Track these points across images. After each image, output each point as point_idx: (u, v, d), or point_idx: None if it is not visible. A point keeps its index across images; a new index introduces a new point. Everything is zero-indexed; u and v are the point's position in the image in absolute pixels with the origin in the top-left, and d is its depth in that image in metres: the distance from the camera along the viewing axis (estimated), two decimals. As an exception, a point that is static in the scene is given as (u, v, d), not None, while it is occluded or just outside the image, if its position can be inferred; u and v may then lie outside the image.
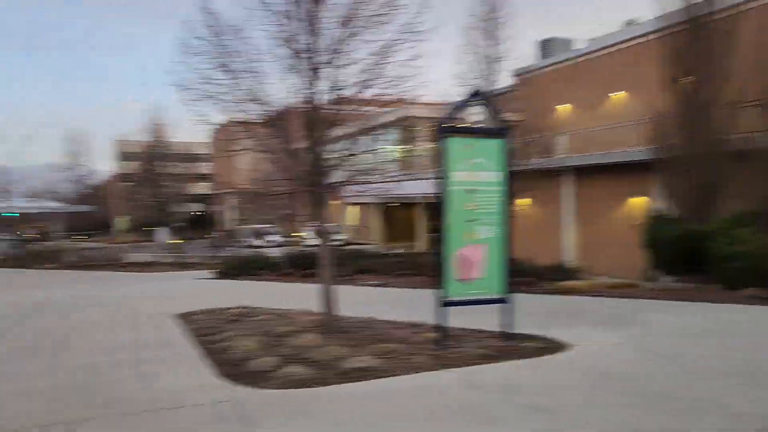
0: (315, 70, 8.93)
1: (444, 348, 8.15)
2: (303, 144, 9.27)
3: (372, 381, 6.85)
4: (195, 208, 72.49)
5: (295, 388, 6.67)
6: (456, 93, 18.54)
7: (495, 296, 8.52)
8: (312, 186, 9.08)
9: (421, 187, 40.43)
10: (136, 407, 6.21)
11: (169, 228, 49.02)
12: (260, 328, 10.24)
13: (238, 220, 73.90)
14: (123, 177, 55.56)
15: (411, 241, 46.08)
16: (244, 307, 13.09)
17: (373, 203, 47.30)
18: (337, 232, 50.46)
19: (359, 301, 13.92)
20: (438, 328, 8.30)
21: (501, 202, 8.48)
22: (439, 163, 8.22)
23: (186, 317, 12.25)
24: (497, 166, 8.44)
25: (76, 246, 42.81)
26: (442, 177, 8.21)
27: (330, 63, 8.93)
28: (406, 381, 6.87)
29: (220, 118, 9.41)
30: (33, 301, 16.36)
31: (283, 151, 9.37)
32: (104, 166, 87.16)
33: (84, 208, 53.64)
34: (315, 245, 40.40)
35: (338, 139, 9.58)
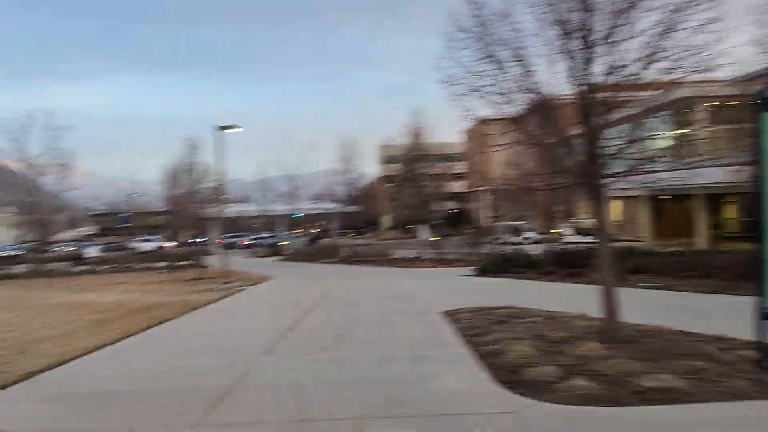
0: (590, 49, 8.03)
1: (763, 370, 6.62)
2: (576, 133, 8.43)
3: (678, 406, 5.79)
4: (451, 206, 74.79)
5: (583, 405, 5.95)
6: (755, 63, 15.59)
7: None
8: (588, 178, 8.19)
9: (702, 177, 35.57)
10: (418, 409, 6.14)
11: (428, 225, 51.29)
12: (531, 332, 9.66)
13: (493, 217, 74.31)
14: (386, 179, 59.76)
15: (686, 238, 40.98)
16: (509, 307, 12.65)
17: (639, 196, 43.20)
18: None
19: (637, 306, 12.43)
20: (759, 346, 6.77)
21: None
22: (753, 145, 6.69)
23: (453, 315, 12.25)
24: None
25: (349, 243, 47.25)
26: (757, 161, 6.67)
27: (607, 40, 7.94)
28: (723, 410, 5.66)
29: (486, 111, 9.05)
30: (319, 293, 18.17)
31: (554, 142, 8.64)
32: (371, 169, 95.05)
33: (354, 208, 59.06)
34: (577, 242, 38.39)
35: (617, 124, 8.52)
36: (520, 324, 10.54)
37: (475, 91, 8.68)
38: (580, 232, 47.92)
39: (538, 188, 14.00)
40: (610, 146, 8.41)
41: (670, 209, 45.70)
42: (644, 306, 12.37)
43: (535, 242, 49.45)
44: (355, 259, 36.32)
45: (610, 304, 8.59)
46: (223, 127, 20.46)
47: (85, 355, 9.63)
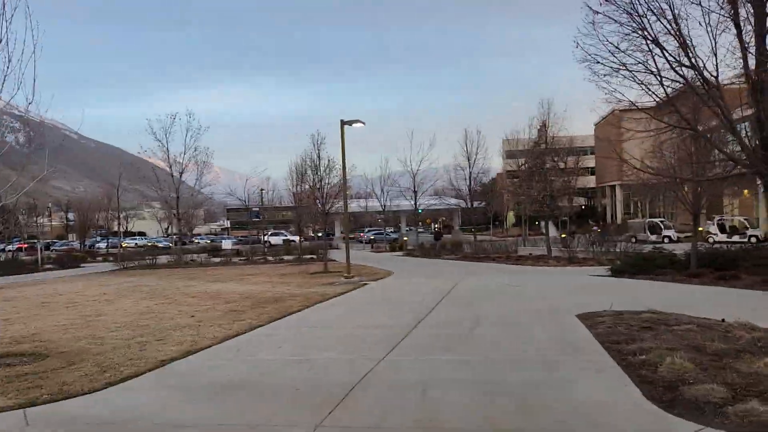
0: (761, 16, 6.85)
1: None
2: (746, 116, 7.26)
3: None
4: (581, 201, 71.27)
5: (762, 434, 4.98)
6: None
7: None
8: (763, 165, 7.00)
9: None
10: (555, 421, 5.48)
11: (556, 222, 49.05)
12: (685, 341, 8.53)
13: (626, 213, 69.81)
14: (511, 173, 58.00)
15: None
16: (654, 312, 11.39)
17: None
18: (749, 227, 42.71)
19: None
20: None
21: None
22: None
23: (590, 318, 11.26)
24: None
25: (473, 239, 46.34)
26: None
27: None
28: None
29: (632, 94, 8.07)
30: (441, 289, 17.69)
31: (716, 126, 7.50)
32: (496, 163, 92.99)
33: (478, 203, 57.98)
34: (725, 242, 34.85)
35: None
36: (669, 332, 9.38)
37: (620, 69, 7.77)
38: (726, 230, 43.57)
39: (687, 180, 12.49)
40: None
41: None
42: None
43: (676, 241, 45.63)
44: (479, 255, 35.49)
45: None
46: (347, 122, 20.61)
47: (215, 345, 9.88)
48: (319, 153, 27.98)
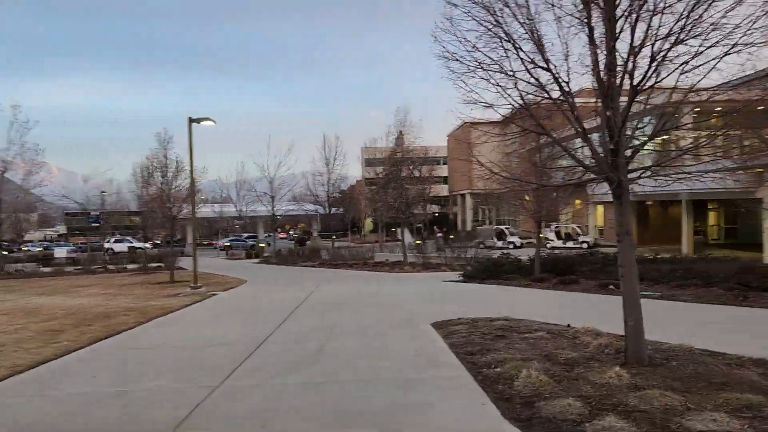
0: (614, 21, 6.76)
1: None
2: (597, 123, 7.17)
3: (746, 459, 4.52)
4: (434, 209, 73.70)
5: (624, 455, 4.64)
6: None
7: None
8: (612, 172, 6.90)
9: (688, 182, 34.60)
10: (413, 458, 4.79)
11: (410, 229, 49.98)
12: (537, 350, 8.37)
13: (477, 220, 73.37)
14: (369, 180, 58.44)
15: (670, 244, 40.26)
16: (506, 319, 11.35)
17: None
18: (581, 234, 46.48)
19: (647, 318, 11.24)
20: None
21: None
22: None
23: (444, 327, 10.93)
24: None
25: (330, 245, 45.77)
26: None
27: (633, 10, 6.67)
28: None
29: (489, 96, 7.71)
30: (295, 298, 16.70)
31: (575, 130, 7.35)
32: (353, 171, 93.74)
33: (336, 210, 57.67)
34: (560, 247, 37.29)
35: (644, 114, 7.28)
36: (522, 340, 9.23)
37: (477, 69, 7.37)
38: (561, 237, 47.06)
39: (545, 186, 12.67)
40: (635, 137, 7.18)
41: (654, 215, 45.02)
42: (654, 319, 11.14)
43: (520, 246, 48.50)
44: (336, 262, 34.90)
45: (636, 319, 7.27)
46: (196, 120, 18.94)
47: (16, 375, 8.12)
48: (166, 153, 25.75)
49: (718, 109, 8.79)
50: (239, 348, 9.51)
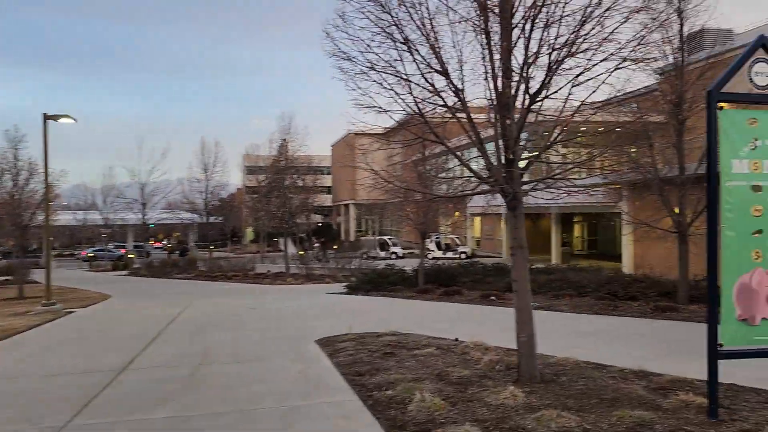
0: (509, 28, 6.57)
1: (719, 420, 5.44)
2: (493, 132, 6.94)
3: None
4: (318, 219, 72.94)
5: (529, 489, 4.27)
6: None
7: (793, 345, 5.65)
8: (506, 183, 6.68)
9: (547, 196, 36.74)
10: None
11: (294, 239, 48.86)
12: (428, 368, 7.98)
13: (360, 230, 73.49)
14: (251, 189, 56.61)
15: (540, 255, 42.55)
16: (394, 333, 10.94)
17: (499, 214, 44.20)
18: (459, 244, 47.90)
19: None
20: (711, 392, 5.56)
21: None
22: (710, 147, 5.54)
23: (330, 344, 10.31)
24: (792, 151, 5.63)
25: (208, 256, 43.50)
26: (710, 168, 5.52)
27: (528, 17, 6.51)
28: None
29: (383, 100, 7.25)
30: (166, 315, 15.27)
31: (472, 141, 7.07)
32: (234, 178, 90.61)
33: (215, 219, 55.21)
34: (441, 258, 38.03)
35: (538, 125, 7.17)
36: (411, 357, 8.83)
37: (370, 71, 6.90)
38: (441, 247, 48.23)
39: (430, 198, 12.47)
40: (528, 149, 7.05)
41: (526, 226, 47.45)
42: (537, 330, 11.24)
43: (402, 257, 49.02)
44: (214, 274, 33.07)
45: (529, 335, 7.07)
46: (52, 117, 16.86)
47: None
48: (17, 154, 22.92)
49: (601, 128, 8.99)
50: (95, 377, 8.26)
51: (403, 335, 10.83)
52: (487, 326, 12.07)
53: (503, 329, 11.71)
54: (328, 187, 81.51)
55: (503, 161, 6.69)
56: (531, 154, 6.97)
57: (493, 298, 16.13)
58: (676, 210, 13.57)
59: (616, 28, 6.55)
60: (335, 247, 53.43)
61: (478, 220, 50.61)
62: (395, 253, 49.33)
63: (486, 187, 7.21)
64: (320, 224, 78.27)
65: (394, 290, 19.58)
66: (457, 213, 47.36)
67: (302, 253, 43.32)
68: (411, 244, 58.17)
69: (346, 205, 77.42)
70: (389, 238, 54.11)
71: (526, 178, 7.04)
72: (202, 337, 11.89)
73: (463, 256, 43.93)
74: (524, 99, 6.71)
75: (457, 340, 10.13)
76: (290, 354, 9.75)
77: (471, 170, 7.12)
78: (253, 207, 44.01)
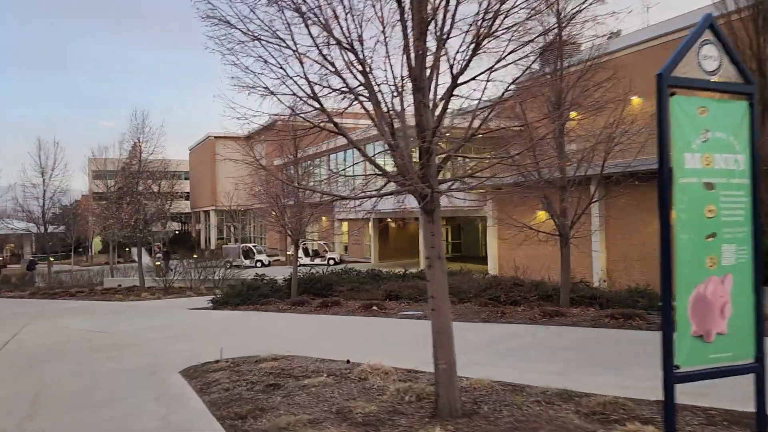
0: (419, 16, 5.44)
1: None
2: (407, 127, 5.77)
3: None
4: (175, 227, 68.00)
5: None
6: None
7: (746, 362, 5.04)
8: (422, 182, 5.53)
9: (414, 201, 36.79)
10: None
11: (150, 248, 44.71)
12: (325, 403, 6.60)
13: (221, 238, 69.60)
14: (98, 195, 51.18)
15: (409, 259, 42.68)
16: (275, 358, 9.38)
17: (365, 218, 43.76)
18: (327, 250, 46.73)
19: (421, 342, 10.35)
20: (667, 420, 4.77)
21: (748, 204, 5.07)
22: (662, 138, 4.78)
23: (200, 375, 8.54)
24: (742, 144, 5.05)
25: (48, 269, 38.23)
26: (662, 162, 4.77)
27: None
28: None
29: (271, 82, 5.79)
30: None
31: (380, 132, 5.83)
32: (79, 183, 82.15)
33: (57, 228, 49.06)
34: (308, 264, 36.63)
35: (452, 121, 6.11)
36: (301, 389, 7.37)
37: (253, 42, 5.43)
38: (309, 254, 46.76)
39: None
40: (443, 146, 5.97)
41: (393, 231, 47.39)
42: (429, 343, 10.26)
43: (268, 265, 46.81)
44: (55, 290, 28.83)
45: (449, 362, 5.94)
46: None
47: None
48: None
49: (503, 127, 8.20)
50: None
51: (286, 359, 9.33)
52: (377, 342, 10.92)
53: (395, 344, 10.67)
54: (187, 193, 76.48)
55: (417, 156, 5.54)
56: (449, 149, 5.88)
57: (375, 308, 15.05)
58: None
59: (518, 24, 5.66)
60: (195, 256, 49.77)
61: (345, 225, 49.81)
62: (261, 261, 47.03)
63: (394, 187, 5.99)
64: (177, 232, 73.13)
65: (266, 303, 17.83)
66: (324, 219, 46.24)
67: (158, 263, 39.57)
68: (277, 251, 56.04)
69: (206, 212, 73.08)
70: (254, 246, 51.62)
71: (441, 177, 5.93)
72: (35, 373, 9.49)
73: (331, 262, 42.83)
74: (436, 86, 5.60)
75: (349, 362, 8.85)
76: (149, 392, 7.85)
77: (379, 168, 5.88)
78: (101, 214, 39.54)
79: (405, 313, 14.57)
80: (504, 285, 15.57)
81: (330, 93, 5.76)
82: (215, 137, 68.69)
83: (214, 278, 28.28)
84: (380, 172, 5.84)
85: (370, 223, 43.84)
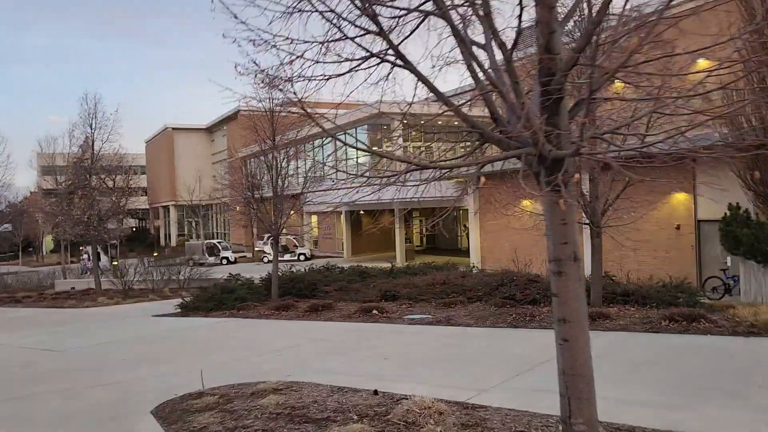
0: None
1: None
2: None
3: None
4: (132, 223, 64.11)
5: None
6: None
7: None
8: (543, 148, 3.45)
9: (393, 192, 34.74)
10: None
11: (105, 247, 41.37)
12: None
13: (182, 234, 66.12)
14: (48, 191, 47.37)
15: (383, 252, 40.66)
16: (276, 388, 7.18)
17: (338, 211, 41.51)
18: (297, 245, 44.26)
19: (452, 360, 8.31)
20: None
21: None
22: None
23: (180, 417, 6.34)
24: None
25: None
26: None
27: None
28: None
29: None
30: None
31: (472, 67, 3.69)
32: (25, 180, 77.01)
33: (2, 226, 45.14)
34: (282, 261, 34.32)
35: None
36: (332, 443, 5.24)
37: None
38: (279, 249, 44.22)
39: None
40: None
41: (365, 223, 45.20)
42: (467, 359, 8.18)
43: (234, 261, 44.10)
44: (-2, 296, 25.67)
45: (589, 415, 3.86)
46: None
47: None
48: None
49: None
50: None
51: (291, 389, 7.15)
52: (396, 359, 8.83)
53: (421, 362, 8.56)
54: (144, 188, 72.46)
55: (539, 105, 3.46)
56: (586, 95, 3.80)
57: (374, 312, 12.94)
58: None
59: None
60: (155, 254, 46.52)
61: (315, 218, 47.41)
62: (227, 258, 44.21)
63: (507, 151, 3.88)
64: (134, 228, 69.13)
65: (244, 308, 15.50)
66: (293, 212, 43.78)
67: (116, 263, 36.39)
68: (242, 247, 53.13)
69: (166, 207, 69.32)
70: (219, 242, 48.69)
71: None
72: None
73: (302, 258, 40.45)
74: None
75: (377, 393, 6.75)
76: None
77: (468, 121, 3.78)
78: (50, 212, 36.11)
79: (411, 317, 12.52)
80: (518, 281, 13.66)
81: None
82: (173, 128, 65.08)
83: (179, 279, 25.63)
84: (476, 129, 3.73)
85: (342, 216, 41.62)
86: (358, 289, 16.66)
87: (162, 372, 8.78)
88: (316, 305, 14.18)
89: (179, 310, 16.56)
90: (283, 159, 17.29)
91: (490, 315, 11.81)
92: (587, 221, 11.61)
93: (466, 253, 35.26)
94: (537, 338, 9.53)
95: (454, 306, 13.25)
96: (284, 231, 42.89)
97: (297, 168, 18.58)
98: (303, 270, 19.46)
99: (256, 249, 47.01)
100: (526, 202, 15.06)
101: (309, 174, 19.40)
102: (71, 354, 11.08)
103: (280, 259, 41.98)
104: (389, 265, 21.26)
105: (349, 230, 42.65)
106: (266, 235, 46.06)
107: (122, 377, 8.76)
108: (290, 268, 19.57)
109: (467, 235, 39.29)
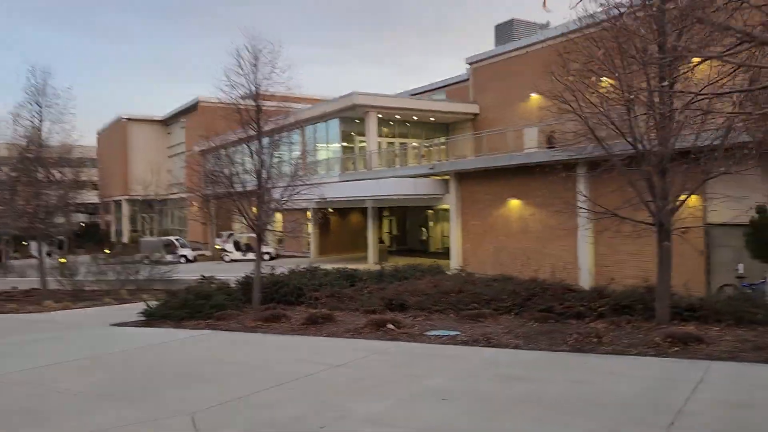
0: None
1: None
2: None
3: None
4: (81, 218, 59.11)
5: None
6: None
7: None
8: None
9: (371, 189, 32.42)
10: None
11: (52, 243, 37.09)
12: None
13: (135, 230, 61.59)
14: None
15: (351, 253, 38.15)
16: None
17: (304, 209, 38.57)
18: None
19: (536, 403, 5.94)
20: None
21: None
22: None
23: None
24: None
25: None
26: None
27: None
28: None
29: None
30: None
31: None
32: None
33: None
34: (240, 260, 31.36)
35: None
36: None
37: None
38: (241, 248, 41.14)
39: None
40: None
41: (334, 222, 42.46)
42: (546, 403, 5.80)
43: (193, 260, 40.75)
44: None
45: None
46: None
47: None
48: None
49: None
50: None
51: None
52: (457, 399, 6.37)
53: (499, 408, 5.66)
54: (95, 181, 67.28)
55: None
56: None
57: (390, 326, 10.45)
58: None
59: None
60: (107, 251, 42.36)
61: (279, 215, 44.25)
62: (185, 256, 40.73)
63: None
64: (83, 224, 63.94)
65: (223, 317, 12.72)
66: (254, 209, 40.71)
67: (64, 260, 32.43)
68: (199, 245, 49.48)
69: (117, 202, 64.54)
70: (176, 239, 45.02)
71: None
72: None
73: (266, 257, 37.42)
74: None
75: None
76: None
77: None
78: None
79: (434, 333, 10.10)
80: (554, 290, 11.45)
81: None
82: (127, 119, 60.53)
83: (137, 279, 22.41)
84: None
85: (309, 213, 38.78)
86: (352, 296, 14.15)
87: (130, 420, 6.06)
88: (314, 316, 11.55)
89: (143, 318, 13.59)
90: (270, 146, 14.63)
91: (535, 333, 9.51)
92: (652, 222, 9.51)
93: (438, 254, 33.14)
94: (634, 372, 7.24)
95: (482, 319, 10.90)
96: (236, 228, 39.33)
97: (280, 158, 15.94)
98: (273, 271, 16.72)
99: (216, 247, 43.65)
100: (513, 202, 12.97)
101: (298, 162, 16.75)
102: (2, 385, 8.10)
103: (243, 257, 38.82)
104: (380, 267, 18.75)
105: (317, 229, 39.88)
106: (225, 233, 42.77)
107: (72, 427, 5.99)
108: (272, 270, 16.77)
109: (442, 236, 37.17)
